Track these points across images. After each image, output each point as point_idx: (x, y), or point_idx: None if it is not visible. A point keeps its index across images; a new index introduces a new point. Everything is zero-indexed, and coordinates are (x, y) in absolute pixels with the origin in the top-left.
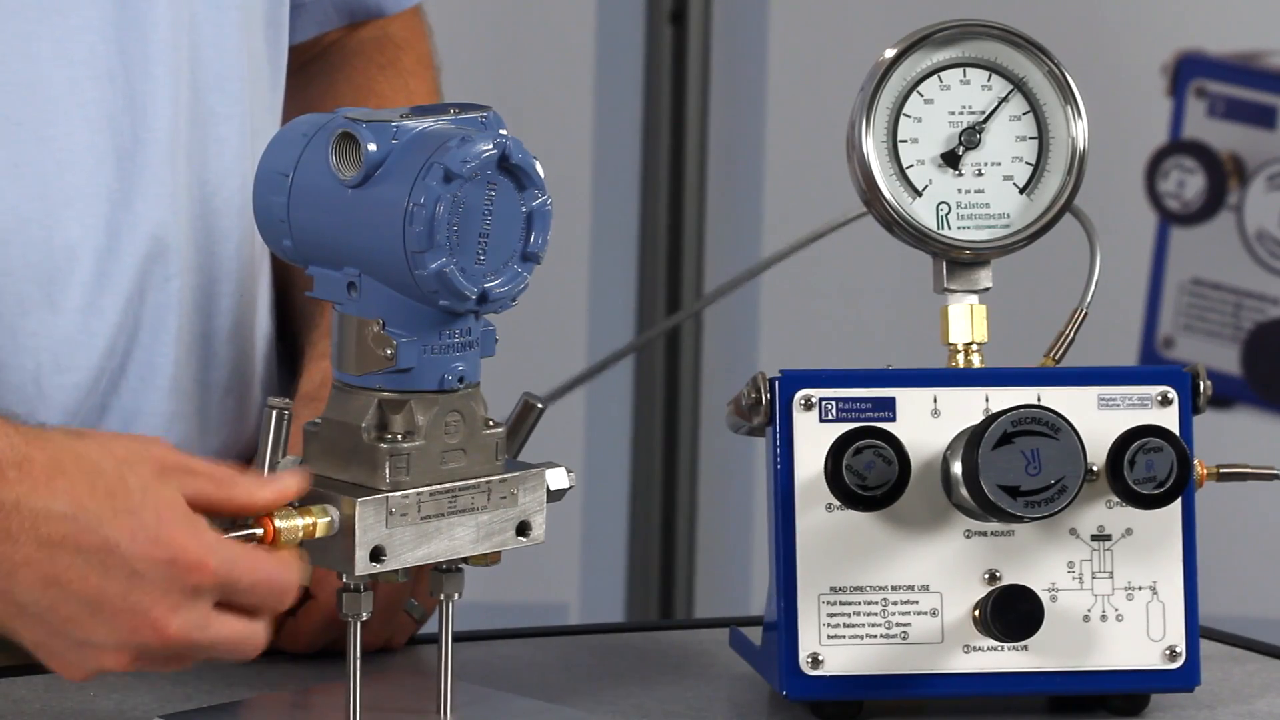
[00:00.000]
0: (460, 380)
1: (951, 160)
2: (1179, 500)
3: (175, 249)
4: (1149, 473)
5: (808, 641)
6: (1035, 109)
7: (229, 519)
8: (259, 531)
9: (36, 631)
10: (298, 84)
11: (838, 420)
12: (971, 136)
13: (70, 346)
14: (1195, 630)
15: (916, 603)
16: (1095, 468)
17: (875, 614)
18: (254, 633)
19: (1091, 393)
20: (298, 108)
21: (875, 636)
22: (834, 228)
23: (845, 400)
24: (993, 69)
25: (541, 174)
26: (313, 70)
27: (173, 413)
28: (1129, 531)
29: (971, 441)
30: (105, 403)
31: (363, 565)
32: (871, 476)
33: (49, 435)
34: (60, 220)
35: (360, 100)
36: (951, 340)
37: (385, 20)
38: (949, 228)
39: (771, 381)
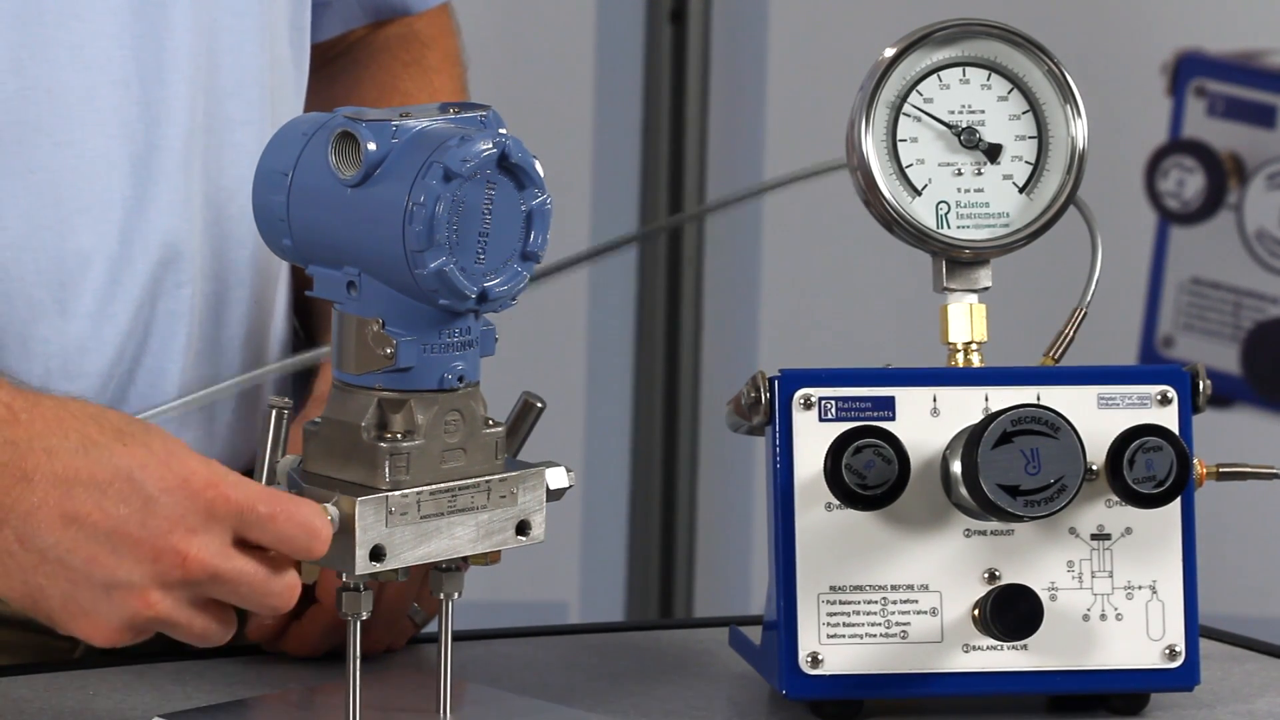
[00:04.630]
0: (460, 379)
1: (993, 154)
2: (1178, 499)
3: (188, 256)
4: (1148, 472)
5: (807, 641)
6: (1035, 108)
7: None
8: None
9: (60, 582)
10: (322, 81)
11: (837, 419)
12: (971, 136)
13: (80, 353)
14: (1195, 629)
15: (916, 602)
16: (1095, 467)
17: (875, 613)
18: (280, 575)
19: (1091, 392)
20: (322, 105)
21: (875, 636)
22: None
23: (845, 399)
24: (992, 68)
25: (541, 173)
26: (337, 68)
27: (180, 420)
28: (1128, 531)
29: (971, 441)
30: (113, 408)
31: (363, 564)
32: (871, 476)
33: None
34: (73, 227)
35: (385, 98)
36: (951, 339)
37: (412, 17)
38: (948, 227)
39: (771, 381)
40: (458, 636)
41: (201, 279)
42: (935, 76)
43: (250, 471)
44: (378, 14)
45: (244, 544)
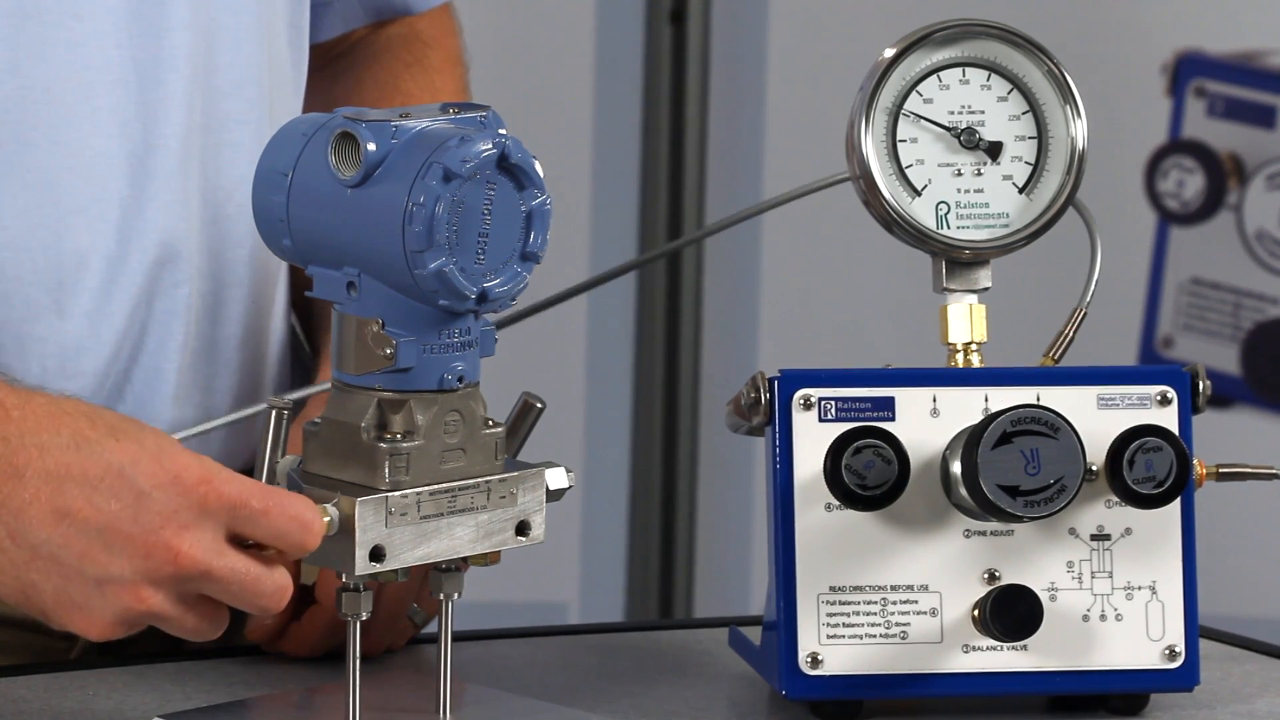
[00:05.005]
0: (460, 380)
1: (994, 152)
2: (1178, 500)
3: (185, 256)
4: (1148, 472)
5: (807, 641)
6: (1034, 108)
7: None
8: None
9: (53, 577)
10: (323, 81)
11: (837, 420)
12: (971, 136)
13: (76, 352)
14: (1194, 630)
15: (916, 602)
16: (1094, 467)
17: (874, 614)
18: (272, 575)
19: (1091, 392)
20: (323, 105)
21: (874, 636)
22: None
23: (845, 400)
24: (992, 69)
25: (541, 173)
26: (339, 67)
27: (177, 419)
28: (1128, 531)
29: (971, 441)
30: (110, 407)
31: (362, 565)
32: (871, 476)
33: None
34: (70, 226)
35: (386, 98)
36: (951, 340)
37: (413, 17)
38: (948, 227)
39: (771, 381)
40: (458, 637)
41: (199, 278)
42: (935, 77)
43: (248, 472)
44: (379, 14)
45: (238, 541)
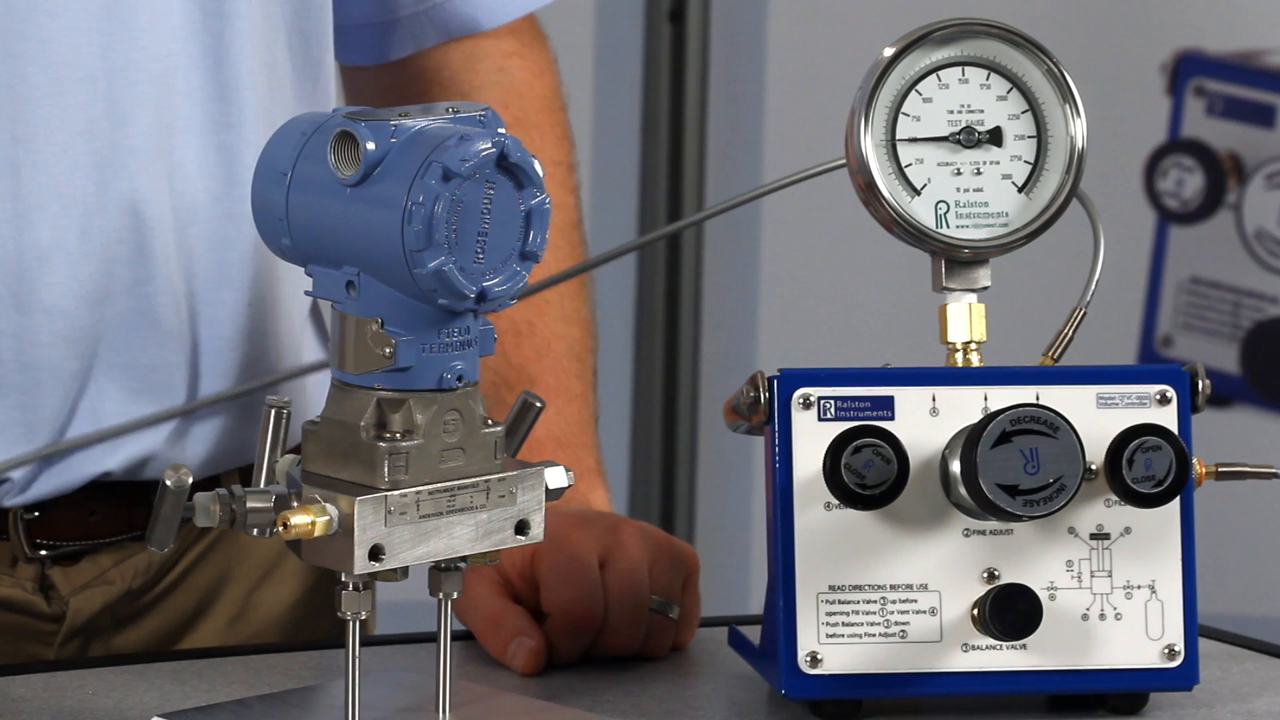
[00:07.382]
0: (459, 379)
1: (996, 139)
2: (1178, 499)
3: (153, 255)
4: (1148, 471)
5: (806, 640)
6: (1034, 108)
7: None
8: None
9: None
10: (400, 100)
11: (836, 419)
12: (970, 135)
13: (35, 346)
14: (1194, 629)
15: (915, 601)
16: (1094, 466)
17: (874, 613)
18: None
19: (1090, 391)
20: None
21: (874, 635)
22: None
23: (844, 399)
24: (991, 68)
25: (540, 173)
26: (416, 89)
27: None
28: (1128, 530)
29: (970, 440)
30: (74, 405)
31: (361, 564)
32: (870, 475)
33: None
34: (31, 221)
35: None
36: (950, 339)
37: (502, 56)
38: (948, 227)
39: (770, 380)
40: (457, 636)
41: (179, 278)
42: (934, 76)
43: (244, 473)
44: (448, 33)
45: None
